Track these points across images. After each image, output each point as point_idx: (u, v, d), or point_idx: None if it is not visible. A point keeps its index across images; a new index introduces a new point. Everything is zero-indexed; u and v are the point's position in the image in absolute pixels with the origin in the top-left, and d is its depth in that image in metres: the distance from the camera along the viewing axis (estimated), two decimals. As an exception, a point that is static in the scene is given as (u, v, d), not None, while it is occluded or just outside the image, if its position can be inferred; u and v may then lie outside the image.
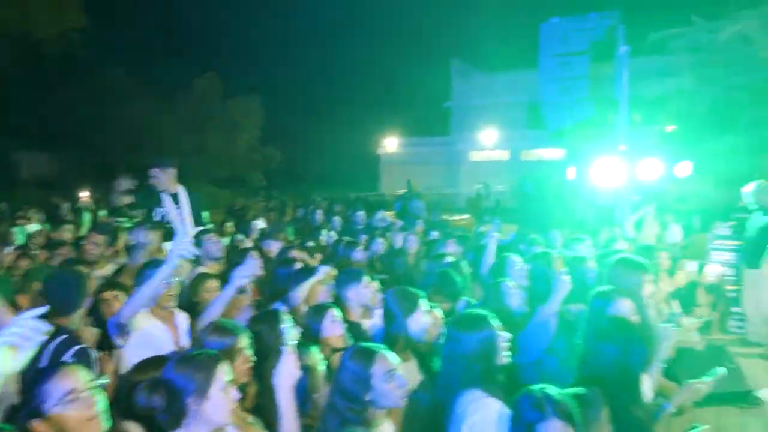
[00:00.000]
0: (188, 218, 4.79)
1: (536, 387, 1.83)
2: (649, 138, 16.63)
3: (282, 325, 2.29)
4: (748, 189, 6.00)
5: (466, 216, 17.93)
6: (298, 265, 3.82)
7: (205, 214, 5.51)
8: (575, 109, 6.79)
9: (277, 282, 3.64)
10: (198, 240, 3.97)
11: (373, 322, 3.30)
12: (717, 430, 4.10)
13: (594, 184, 6.70)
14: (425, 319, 2.69)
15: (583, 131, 7.60)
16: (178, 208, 4.79)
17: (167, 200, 4.81)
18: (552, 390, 1.81)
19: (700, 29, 9.12)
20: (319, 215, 8.58)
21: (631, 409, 2.41)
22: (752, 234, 5.82)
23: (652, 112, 17.60)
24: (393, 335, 2.69)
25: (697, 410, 4.20)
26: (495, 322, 2.34)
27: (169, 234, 4.33)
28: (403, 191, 22.70)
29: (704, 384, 2.76)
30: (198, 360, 1.92)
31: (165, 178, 4.93)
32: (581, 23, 6.73)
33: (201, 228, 4.65)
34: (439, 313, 3.12)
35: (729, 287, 6.71)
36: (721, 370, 2.93)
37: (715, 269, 6.34)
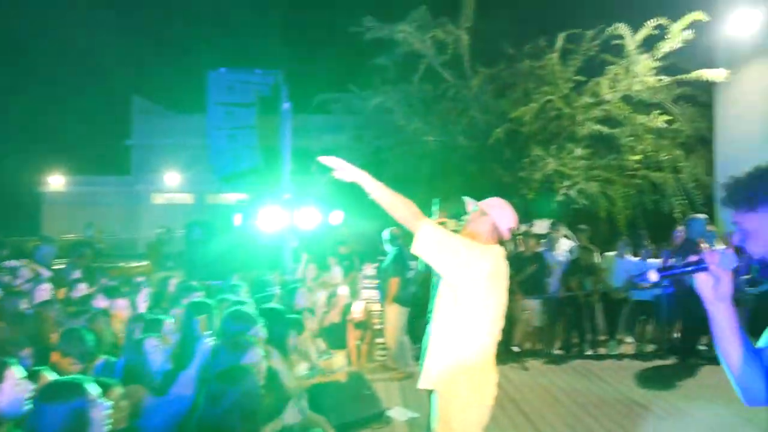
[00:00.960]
0: None
1: None
2: (322, 187, 18.40)
3: None
4: (385, 235, 7.02)
5: (145, 262, 16.68)
6: None
7: None
8: (242, 157, 7.01)
9: None
10: None
11: None
12: (350, 454, 4.54)
13: (259, 230, 6.98)
14: (19, 389, 2.30)
15: (252, 179, 7.89)
16: None
17: None
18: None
19: (355, 96, 10.58)
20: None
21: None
22: (381, 275, 6.83)
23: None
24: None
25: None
26: (92, 390, 2.11)
27: None
28: (71, 235, 20.00)
29: None
30: None
31: None
32: (247, 76, 7.06)
33: None
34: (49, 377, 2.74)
35: (375, 321, 7.70)
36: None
37: (360, 306, 7.19)
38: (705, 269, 1.43)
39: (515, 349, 7.86)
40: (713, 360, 7.07)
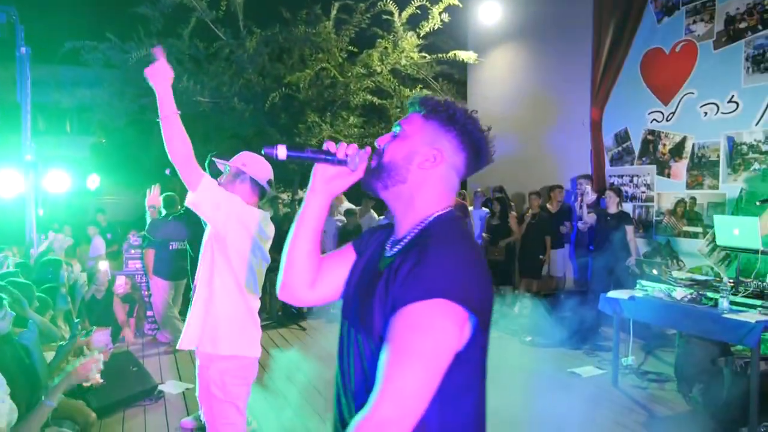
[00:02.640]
0: None
1: None
2: (82, 149, 16.21)
3: None
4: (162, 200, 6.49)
5: None
6: None
7: None
8: (-36, 109, 5.81)
9: None
10: None
11: None
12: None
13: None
14: None
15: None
16: None
17: None
18: None
19: (114, 47, 9.38)
20: None
21: None
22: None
23: (81, 123, 17.20)
24: None
25: (103, 420, 4.25)
26: None
27: None
28: None
29: None
30: None
31: None
32: (-32, 11, 5.82)
33: None
34: None
35: (145, 293, 7.16)
36: None
37: (123, 279, 6.62)
38: (339, 162, 1.26)
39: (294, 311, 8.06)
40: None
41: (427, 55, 10.15)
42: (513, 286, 8.21)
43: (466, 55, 10.02)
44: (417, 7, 9.67)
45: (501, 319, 7.17)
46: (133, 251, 7.26)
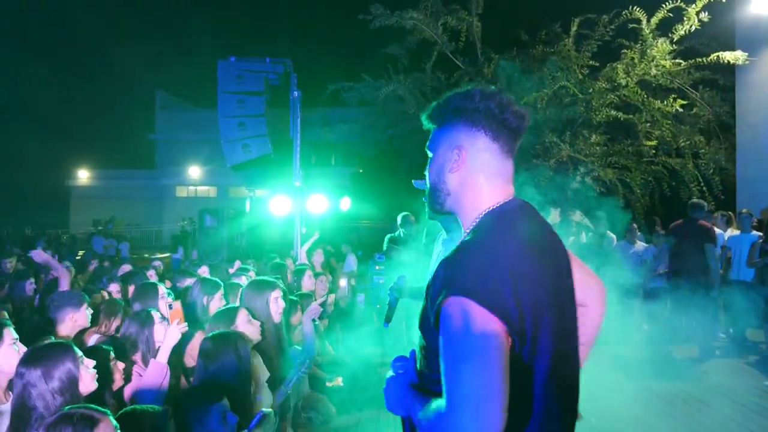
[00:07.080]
0: None
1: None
2: (343, 178, 18.48)
3: None
4: (398, 220, 7.09)
5: (168, 254, 17.07)
6: None
7: None
8: (253, 146, 7.11)
9: None
10: None
11: None
12: None
13: (272, 216, 7.08)
14: (14, 347, 2.41)
15: (264, 167, 8.00)
16: None
17: None
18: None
19: (368, 86, 10.53)
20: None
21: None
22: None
23: (344, 156, 19.61)
24: None
25: (341, 417, 4.68)
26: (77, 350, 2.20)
27: None
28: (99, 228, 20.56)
29: None
30: None
31: None
32: (257, 65, 7.14)
33: None
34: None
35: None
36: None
37: (362, 296, 7.24)
38: None
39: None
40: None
41: (682, 61, 9.10)
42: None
43: (732, 56, 8.69)
44: (669, 10, 8.76)
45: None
46: (377, 267, 7.93)
